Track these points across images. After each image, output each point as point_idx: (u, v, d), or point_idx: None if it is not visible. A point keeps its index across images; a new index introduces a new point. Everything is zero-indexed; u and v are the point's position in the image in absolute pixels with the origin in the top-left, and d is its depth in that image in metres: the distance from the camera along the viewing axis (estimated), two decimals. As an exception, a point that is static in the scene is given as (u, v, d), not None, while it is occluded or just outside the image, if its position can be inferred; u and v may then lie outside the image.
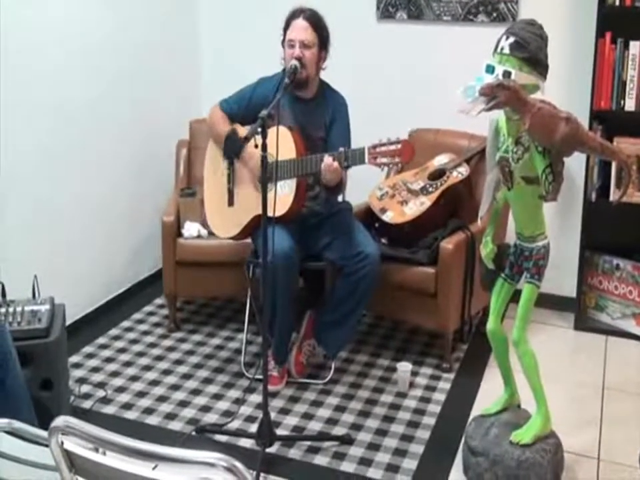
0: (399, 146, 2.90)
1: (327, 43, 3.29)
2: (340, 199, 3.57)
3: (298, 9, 3.27)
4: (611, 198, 3.69)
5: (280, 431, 3.01)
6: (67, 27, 3.57)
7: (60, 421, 1.34)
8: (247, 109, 3.32)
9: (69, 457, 1.36)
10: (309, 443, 2.97)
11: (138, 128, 4.16)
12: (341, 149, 3.03)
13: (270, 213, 2.69)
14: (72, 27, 3.59)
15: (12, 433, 1.78)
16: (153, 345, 3.75)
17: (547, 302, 3.90)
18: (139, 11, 4.06)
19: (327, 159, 3.02)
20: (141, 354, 3.66)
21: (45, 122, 3.49)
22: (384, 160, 2.92)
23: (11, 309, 2.80)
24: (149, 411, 3.18)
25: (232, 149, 3.31)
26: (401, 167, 3.71)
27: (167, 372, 3.50)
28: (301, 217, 3.30)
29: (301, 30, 3.21)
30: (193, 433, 3.02)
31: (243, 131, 3.28)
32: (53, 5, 3.47)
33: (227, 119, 3.38)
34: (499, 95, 2.30)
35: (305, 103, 3.35)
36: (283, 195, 3.12)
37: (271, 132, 2.69)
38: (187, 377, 3.46)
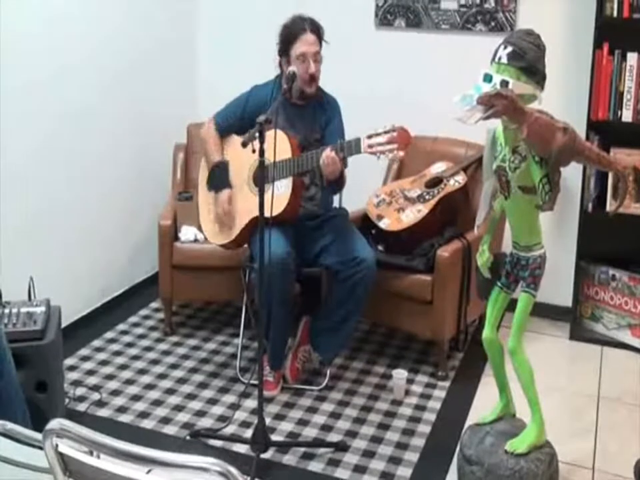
0: (395, 134, 2.91)
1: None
2: (336, 203, 3.57)
3: (299, 19, 3.26)
4: (608, 208, 3.70)
5: (275, 437, 3.01)
6: (66, 33, 3.57)
7: (55, 423, 1.34)
8: (242, 117, 3.33)
9: (63, 459, 1.36)
10: (303, 449, 2.97)
11: (136, 132, 4.16)
12: (339, 140, 3.05)
13: (267, 214, 2.70)
14: (71, 33, 3.60)
15: (6, 435, 1.77)
16: (148, 349, 3.74)
17: (543, 311, 3.90)
18: (137, 17, 4.07)
19: (327, 151, 3.02)
20: (136, 357, 3.66)
21: (42, 125, 3.49)
22: (380, 148, 2.92)
23: (6, 311, 2.80)
24: (143, 414, 3.18)
25: (215, 182, 3.35)
26: (397, 155, 3.69)
27: (162, 376, 3.49)
28: (297, 219, 3.31)
29: (312, 45, 3.22)
30: (188, 438, 3.01)
31: (238, 140, 3.24)
32: (52, 11, 3.47)
33: (219, 142, 3.41)
34: (496, 104, 2.31)
35: (300, 107, 3.36)
36: (280, 195, 3.13)
37: (268, 136, 2.70)
38: (182, 381, 3.45)
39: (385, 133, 2.92)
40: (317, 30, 3.26)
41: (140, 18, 4.09)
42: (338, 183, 3.24)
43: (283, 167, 3.14)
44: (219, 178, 3.35)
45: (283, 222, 3.14)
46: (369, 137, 2.94)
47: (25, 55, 3.33)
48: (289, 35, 3.25)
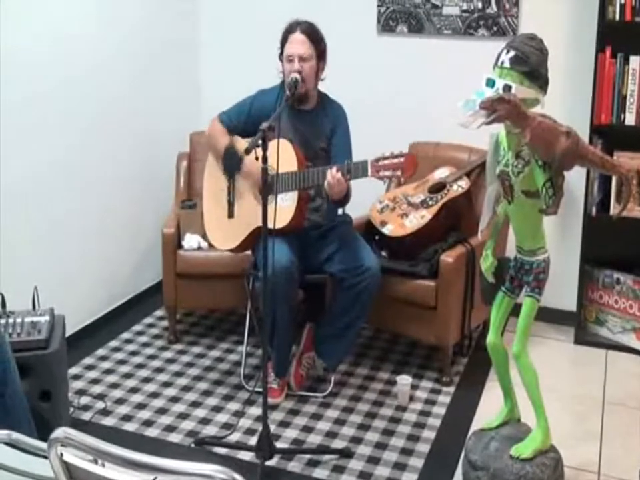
0: (402, 159, 2.90)
1: (324, 53, 3.30)
2: (340, 212, 3.57)
3: (294, 22, 3.29)
4: (611, 212, 3.69)
5: (279, 444, 3.00)
6: (69, 43, 3.58)
7: (59, 432, 1.34)
8: (247, 121, 3.33)
9: (68, 468, 1.36)
10: (308, 456, 2.96)
11: (139, 140, 4.17)
12: (346, 162, 3.04)
13: (270, 225, 2.69)
14: (74, 43, 3.60)
15: (11, 444, 1.77)
16: (152, 357, 3.74)
17: (547, 316, 3.89)
18: (139, 26, 4.08)
19: (333, 171, 3.01)
20: (140, 366, 3.65)
21: (46, 135, 3.50)
22: (387, 173, 2.92)
23: (10, 320, 2.80)
24: (148, 422, 3.17)
25: (231, 163, 3.33)
26: (403, 181, 3.71)
27: (166, 384, 3.49)
28: (302, 230, 3.30)
29: (299, 44, 3.23)
30: (192, 445, 3.01)
31: (242, 144, 3.26)
32: (55, 22, 3.48)
33: (226, 133, 3.39)
34: (499, 108, 2.31)
35: (305, 114, 3.36)
36: (285, 208, 3.12)
37: (272, 145, 2.69)
38: (186, 389, 3.45)
39: (393, 157, 2.91)
40: (309, 31, 3.26)
41: (142, 28, 4.10)
42: (342, 201, 3.25)
43: (288, 180, 3.14)
44: (234, 158, 3.31)
45: (287, 233, 3.14)
46: (377, 160, 2.93)
47: (28, 66, 3.33)
48: (283, 38, 3.29)
